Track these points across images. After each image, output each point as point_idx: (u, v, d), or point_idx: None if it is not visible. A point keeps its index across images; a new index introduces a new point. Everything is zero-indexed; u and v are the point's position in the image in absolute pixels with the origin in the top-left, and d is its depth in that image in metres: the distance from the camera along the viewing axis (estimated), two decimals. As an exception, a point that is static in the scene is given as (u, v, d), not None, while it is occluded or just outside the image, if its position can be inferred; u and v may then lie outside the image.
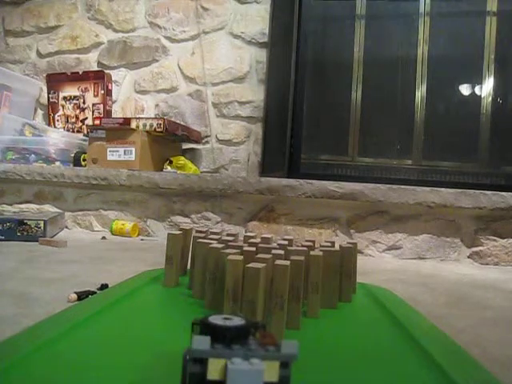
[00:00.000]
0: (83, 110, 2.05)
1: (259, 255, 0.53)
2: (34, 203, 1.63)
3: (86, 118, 2.03)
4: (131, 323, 0.51)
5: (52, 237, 1.36)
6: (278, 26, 1.89)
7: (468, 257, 1.36)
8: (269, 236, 0.71)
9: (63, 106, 2.08)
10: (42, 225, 1.32)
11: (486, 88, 1.73)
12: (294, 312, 0.52)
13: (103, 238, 1.43)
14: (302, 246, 0.66)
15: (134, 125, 1.63)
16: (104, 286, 0.76)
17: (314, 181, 1.40)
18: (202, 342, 0.28)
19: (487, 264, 1.34)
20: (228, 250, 0.56)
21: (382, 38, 1.84)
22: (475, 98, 1.75)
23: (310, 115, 1.86)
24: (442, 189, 1.35)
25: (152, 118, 1.68)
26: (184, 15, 2.03)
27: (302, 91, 1.80)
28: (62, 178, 1.58)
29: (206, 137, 1.97)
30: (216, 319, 0.30)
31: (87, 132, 1.76)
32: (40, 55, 2.22)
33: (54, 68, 2.18)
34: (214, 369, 0.28)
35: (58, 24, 2.19)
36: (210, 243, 0.61)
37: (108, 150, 1.63)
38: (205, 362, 0.28)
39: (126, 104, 2.08)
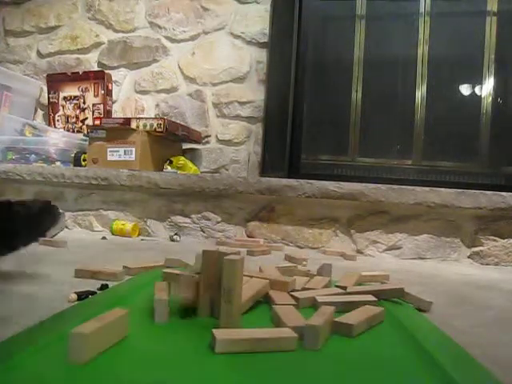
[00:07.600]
0: (83, 110, 2.05)
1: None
2: (34, 203, 1.63)
3: (86, 118, 2.03)
4: (131, 323, 0.51)
5: (52, 237, 1.36)
6: (278, 25, 1.89)
7: (468, 257, 1.36)
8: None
9: (63, 106, 2.08)
10: (42, 225, 1.31)
11: (486, 88, 1.73)
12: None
13: (103, 238, 1.43)
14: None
15: (134, 125, 1.63)
16: (104, 286, 0.76)
17: (314, 181, 1.40)
18: None
19: (487, 264, 1.34)
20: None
21: (382, 38, 1.84)
22: (475, 98, 1.74)
23: (310, 115, 1.86)
24: (442, 189, 1.35)
25: (152, 118, 1.68)
26: (184, 15, 2.03)
27: (302, 91, 1.80)
28: (63, 178, 1.58)
29: (206, 137, 1.97)
30: None
31: (87, 132, 1.76)
32: (40, 55, 2.22)
33: (54, 68, 2.19)
34: None
35: (58, 24, 2.19)
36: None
37: (108, 150, 1.63)
38: None
39: (126, 104, 2.09)
